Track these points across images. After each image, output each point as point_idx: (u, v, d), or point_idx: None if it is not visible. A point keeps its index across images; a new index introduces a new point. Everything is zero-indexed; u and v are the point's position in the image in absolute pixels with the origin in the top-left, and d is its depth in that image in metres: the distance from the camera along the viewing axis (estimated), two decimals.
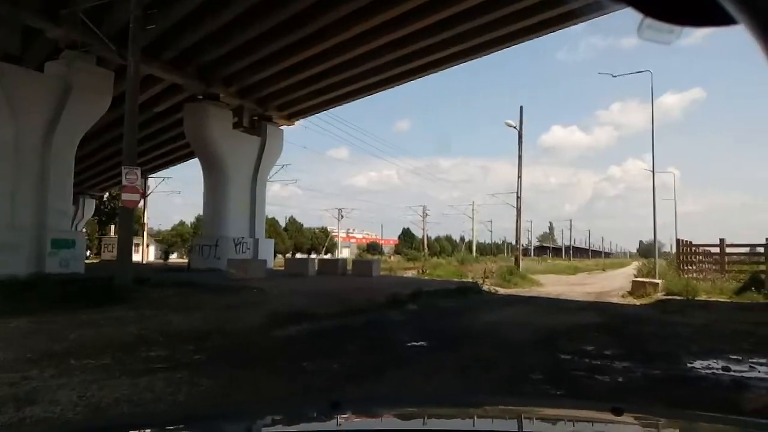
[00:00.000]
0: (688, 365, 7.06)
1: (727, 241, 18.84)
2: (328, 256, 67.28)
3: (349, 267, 22.44)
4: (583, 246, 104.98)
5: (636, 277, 20.25)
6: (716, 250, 18.07)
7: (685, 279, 16.84)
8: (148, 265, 38.45)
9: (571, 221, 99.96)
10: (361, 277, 19.60)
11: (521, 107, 24.64)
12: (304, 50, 21.10)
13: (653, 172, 18.48)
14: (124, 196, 13.45)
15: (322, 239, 78.16)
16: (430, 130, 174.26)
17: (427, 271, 29.21)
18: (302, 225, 77.58)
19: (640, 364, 6.90)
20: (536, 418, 1.78)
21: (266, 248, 28.56)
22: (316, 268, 21.66)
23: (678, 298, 15.40)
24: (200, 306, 11.07)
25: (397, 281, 18.85)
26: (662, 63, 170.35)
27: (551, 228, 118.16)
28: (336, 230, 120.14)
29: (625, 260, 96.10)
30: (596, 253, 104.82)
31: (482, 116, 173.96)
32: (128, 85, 13.86)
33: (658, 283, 17.39)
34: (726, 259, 17.68)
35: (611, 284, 27.14)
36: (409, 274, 29.87)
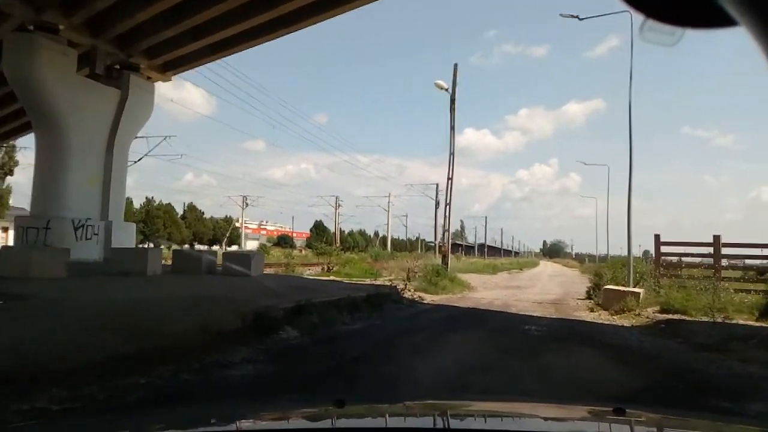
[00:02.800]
0: None
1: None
2: (235, 248, 59.64)
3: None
4: (493, 245, 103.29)
5: (600, 284, 15.41)
6: (707, 250, 13.49)
7: (683, 290, 12.06)
8: None
9: (486, 218, 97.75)
10: (233, 278, 13.40)
11: (455, 65, 19.41)
12: None
13: (630, 177, 13.68)
14: None
15: (226, 229, 70.09)
16: (348, 125, 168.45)
17: (334, 269, 23.32)
18: (203, 213, 69.09)
19: None
20: (539, 418, 1.71)
21: (124, 235, 21.40)
22: (171, 263, 15.15)
23: (685, 318, 10.48)
24: None
25: (284, 284, 12.86)
26: (570, 72, 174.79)
27: (462, 226, 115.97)
28: (245, 220, 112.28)
29: (534, 259, 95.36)
30: (507, 252, 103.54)
31: (400, 116, 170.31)
32: None
33: (639, 294, 12.55)
34: (721, 263, 13.19)
35: (548, 287, 22.53)
36: (311, 272, 23.83)
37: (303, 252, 57.99)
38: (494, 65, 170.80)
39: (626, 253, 14.10)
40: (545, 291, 19.99)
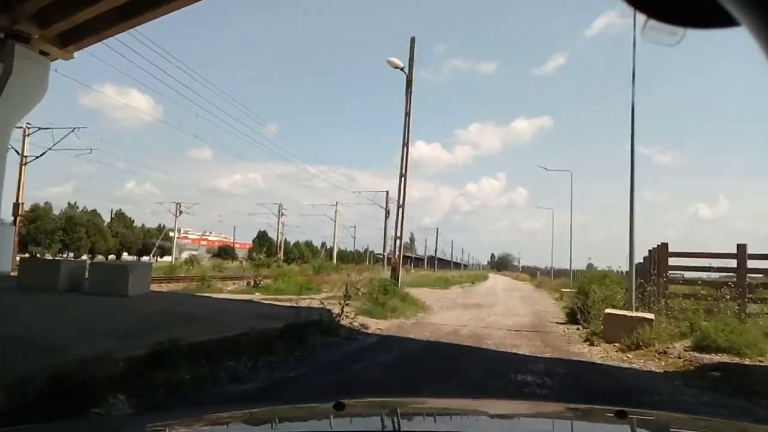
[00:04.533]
0: None
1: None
2: (170, 259, 54.08)
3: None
4: (443, 257, 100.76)
5: (587, 305, 12.07)
6: (730, 263, 10.38)
7: (715, 316, 8.83)
8: None
9: (437, 230, 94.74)
10: (97, 299, 9.33)
11: (413, 39, 15.93)
12: None
13: (631, 187, 10.61)
14: None
15: (158, 239, 64.09)
16: (297, 136, 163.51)
17: (262, 284, 19.27)
18: (132, 221, 62.98)
19: None
20: (541, 420, 1.69)
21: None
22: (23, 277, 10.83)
23: (739, 360, 7.22)
24: None
25: (169, 309, 8.92)
26: (519, 89, 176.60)
27: (412, 238, 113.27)
28: (187, 230, 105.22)
29: (483, 272, 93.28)
30: (456, 265, 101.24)
31: (350, 128, 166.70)
32: None
33: (651, 320, 9.28)
34: (744, 279, 10.12)
35: (513, 306, 19.26)
36: (234, 287, 19.70)
37: (244, 263, 53.20)
38: (445, 80, 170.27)
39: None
40: (512, 311, 16.64)
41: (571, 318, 13.19)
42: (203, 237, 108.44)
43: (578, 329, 11.61)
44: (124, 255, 64.10)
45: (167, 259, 55.63)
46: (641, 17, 0.53)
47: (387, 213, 39.83)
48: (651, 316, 9.64)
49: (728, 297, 9.84)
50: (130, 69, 69.88)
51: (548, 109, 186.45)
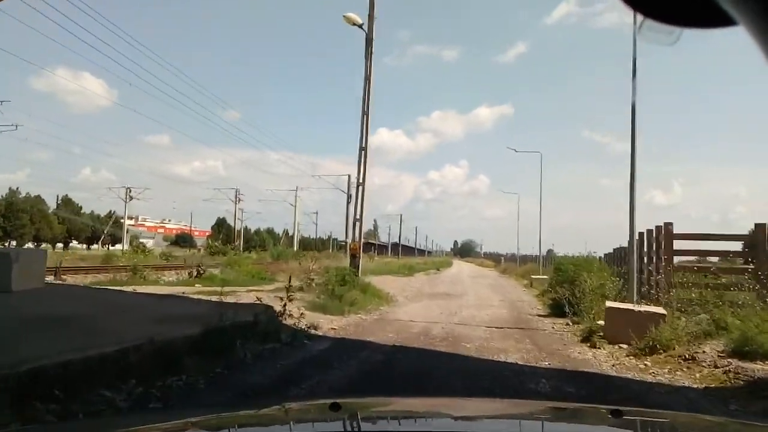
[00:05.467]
0: None
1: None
2: (122, 247, 50.43)
3: None
4: (407, 244, 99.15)
5: (576, 296, 10.22)
6: (731, 246, 8.65)
7: (742, 310, 7.07)
8: None
9: (401, 216, 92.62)
10: None
11: None
12: None
13: (632, 162, 8.74)
14: None
15: (110, 226, 60.13)
16: (260, 123, 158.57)
17: (205, 273, 16.88)
18: (80, 207, 58.84)
19: None
20: (537, 420, 1.63)
21: None
22: None
23: None
24: None
25: (52, 311, 6.60)
26: (480, 77, 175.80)
27: (376, 225, 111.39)
28: (145, 218, 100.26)
29: (447, 259, 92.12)
30: (420, 252, 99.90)
31: (313, 114, 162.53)
32: None
33: (663, 316, 7.48)
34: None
35: (484, 295, 17.49)
36: (173, 278, 17.28)
37: (201, 251, 50.09)
38: (408, 66, 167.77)
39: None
40: (486, 301, 14.80)
41: (555, 310, 11.40)
42: (161, 224, 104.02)
43: (568, 324, 9.78)
44: (73, 243, 60.02)
45: (119, 247, 52.04)
46: (639, 17, 0.51)
47: (349, 198, 37.61)
48: (662, 310, 7.84)
49: (746, 286, 8.14)
50: (84, 50, 64.96)
51: (509, 97, 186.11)
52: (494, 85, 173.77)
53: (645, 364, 6.53)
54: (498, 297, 16.69)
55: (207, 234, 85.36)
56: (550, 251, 45.57)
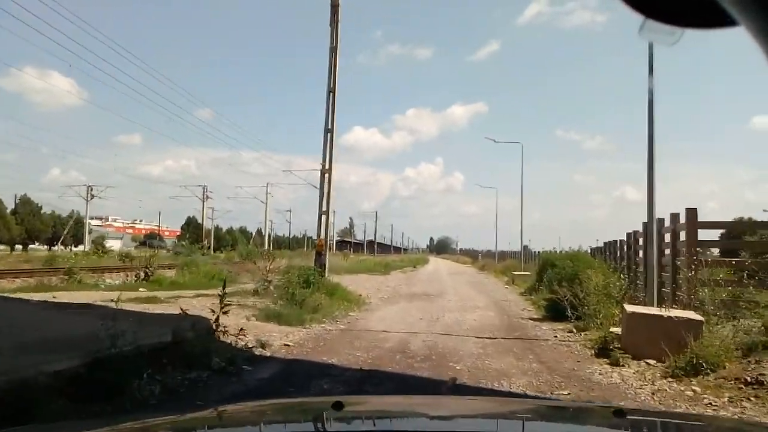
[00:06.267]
0: None
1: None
2: (85, 248, 47.48)
3: None
4: (383, 242, 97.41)
5: (579, 297, 8.55)
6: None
7: None
8: None
9: (376, 213, 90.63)
10: None
11: None
12: None
13: (651, 151, 7.28)
14: None
15: (73, 226, 56.91)
16: (234, 121, 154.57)
17: (153, 276, 14.85)
18: (40, 207, 55.54)
19: None
20: (539, 419, 1.61)
21: None
22: None
23: None
24: None
25: None
26: (454, 75, 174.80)
27: (352, 223, 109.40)
28: (115, 218, 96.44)
29: (424, 256, 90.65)
30: (396, 249, 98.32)
31: (287, 113, 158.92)
32: None
33: (700, 323, 5.89)
34: None
35: (466, 294, 15.85)
36: (119, 281, 15.21)
37: (169, 252, 47.51)
38: (382, 65, 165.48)
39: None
40: (469, 302, 13.12)
41: (551, 312, 9.77)
42: (130, 225, 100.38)
43: (571, 332, 8.14)
44: (35, 244, 56.65)
45: (80, 248, 49.08)
46: (640, 17, 0.51)
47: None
48: (696, 316, 6.23)
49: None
50: (53, 48, 61.29)
51: (483, 96, 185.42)
52: (468, 84, 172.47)
53: (693, 391, 4.88)
54: (482, 297, 15.05)
55: (177, 234, 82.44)
56: (525, 247, 44.49)
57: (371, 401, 1.94)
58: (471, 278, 27.19)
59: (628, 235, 12.45)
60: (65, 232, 49.47)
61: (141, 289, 12.96)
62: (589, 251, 18.26)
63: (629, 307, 6.70)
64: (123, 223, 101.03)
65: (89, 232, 59.53)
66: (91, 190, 49.37)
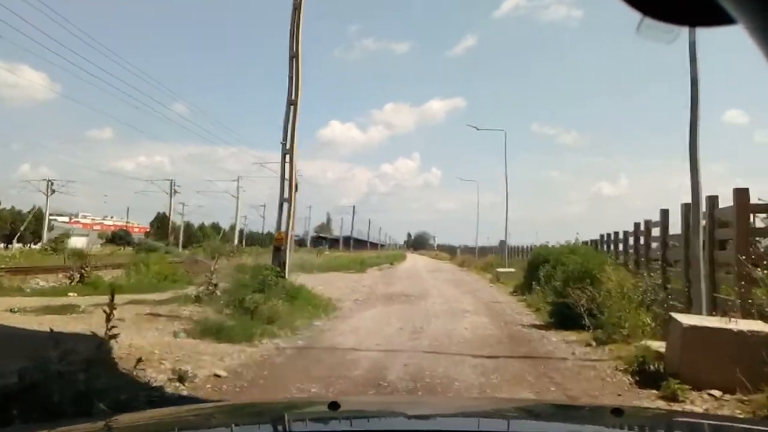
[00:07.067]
0: None
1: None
2: (41, 245, 44.40)
3: None
4: (360, 237, 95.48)
5: (596, 300, 6.85)
6: None
7: None
8: None
9: (353, 208, 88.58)
10: None
11: None
12: None
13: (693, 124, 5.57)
14: None
15: (31, 222, 53.60)
16: (210, 116, 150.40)
17: (90, 277, 12.72)
18: None
19: None
20: (538, 419, 1.57)
21: None
22: None
23: None
24: None
25: None
26: (432, 70, 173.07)
27: (329, 219, 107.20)
28: (84, 214, 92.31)
29: (401, 252, 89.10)
30: (374, 245, 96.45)
31: (262, 108, 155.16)
32: None
33: None
34: None
35: (448, 294, 14.15)
36: (54, 283, 13.08)
37: (136, 249, 44.77)
38: (358, 59, 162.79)
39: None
40: (456, 305, 11.35)
41: (557, 318, 8.07)
42: (98, 222, 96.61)
43: (590, 346, 6.43)
44: None
45: (39, 245, 46.03)
46: (639, 15, 0.51)
47: (295, 187, 33.67)
48: None
49: None
50: (23, 41, 57.55)
51: (461, 90, 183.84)
52: (446, 78, 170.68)
53: None
54: (468, 297, 13.31)
55: (147, 230, 79.35)
56: (502, 242, 43.07)
57: (368, 401, 1.98)
58: (452, 276, 25.51)
59: (636, 225, 10.82)
60: (22, 228, 46.34)
61: (71, 294, 10.92)
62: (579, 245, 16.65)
63: (685, 319, 4.97)
64: (92, 219, 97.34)
65: (50, 229, 56.45)
66: (52, 184, 46.40)
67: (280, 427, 1.46)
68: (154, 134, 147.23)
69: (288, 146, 9.47)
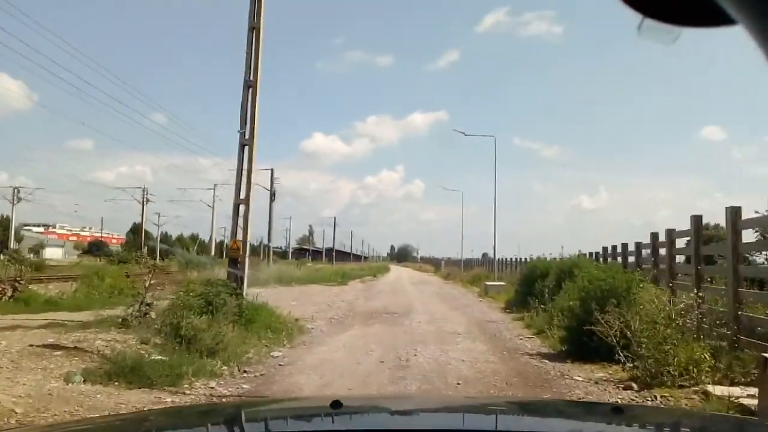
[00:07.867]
0: None
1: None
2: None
3: None
4: (342, 249, 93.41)
5: (624, 332, 5.31)
6: None
7: None
8: None
9: (335, 219, 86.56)
10: None
11: None
12: None
13: None
14: None
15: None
16: (192, 126, 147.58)
17: (23, 292, 10.82)
18: None
19: None
20: (538, 417, 1.55)
21: None
22: None
23: None
24: None
25: None
26: (415, 83, 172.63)
27: (311, 231, 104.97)
28: (63, 224, 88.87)
29: (384, 264, 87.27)
30: (356, 257, 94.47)
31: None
32: None
33: None
34: None
35: (436, 311, 12.50)
36: None
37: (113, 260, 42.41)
38: (342, 72, 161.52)
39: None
40: (446, 325, 9.72)
41: (572, 346, 6.50)
42: (75, 232, 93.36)
43: (631, 389, 4.84)
44: None
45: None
46: (638, 16, 0.50)
47: (272, 195, 31.81)
48: None
49: None
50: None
51: (444, 104, 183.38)
52: (428, 92, 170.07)
53: None
54: (458, 315, 11.69)
55: (123, 241, 76.59)
56: (485, 254, 41.63)
57: (370, 400, 1.95)
58: (438, 289, 23.90)
59: (654, 235, 9.32)
60: None
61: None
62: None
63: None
64: (69, 230, 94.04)
65: (19, 240, 53.79)
66: (18, 192, 43.94)
67: (282, 426, 1.46)
68: (136, 144, 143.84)
69: (247, 135, 7.78)
